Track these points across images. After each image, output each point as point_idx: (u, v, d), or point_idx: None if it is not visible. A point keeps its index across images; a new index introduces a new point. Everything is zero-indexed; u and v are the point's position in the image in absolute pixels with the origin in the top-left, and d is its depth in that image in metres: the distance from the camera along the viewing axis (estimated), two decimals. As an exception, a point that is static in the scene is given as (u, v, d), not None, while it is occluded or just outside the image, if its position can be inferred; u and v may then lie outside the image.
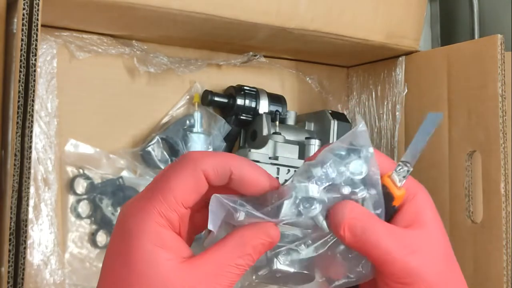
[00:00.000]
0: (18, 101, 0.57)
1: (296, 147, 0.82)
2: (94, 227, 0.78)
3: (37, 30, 0.58)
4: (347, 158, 0.41)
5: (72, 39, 0.78)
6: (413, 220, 0.41)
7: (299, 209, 0.40)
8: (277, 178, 0.79)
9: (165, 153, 0.81)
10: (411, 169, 0.42)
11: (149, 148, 0.81)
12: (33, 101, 0.58)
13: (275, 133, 0.83)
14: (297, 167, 0.80)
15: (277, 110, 0.87)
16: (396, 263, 0.40)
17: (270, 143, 0.81)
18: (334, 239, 0.41)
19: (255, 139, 0.84)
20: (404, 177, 0.42)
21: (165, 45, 0.85)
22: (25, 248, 0.57)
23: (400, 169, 0.42)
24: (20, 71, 0.58)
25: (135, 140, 0.83)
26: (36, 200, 0.73)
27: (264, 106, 0.86)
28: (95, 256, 0.78)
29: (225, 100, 0.85)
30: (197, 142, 0.82)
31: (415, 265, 0.40)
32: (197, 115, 0.84)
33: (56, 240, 0.75)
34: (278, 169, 0.79)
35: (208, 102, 0.84)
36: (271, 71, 0.93)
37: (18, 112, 0.57)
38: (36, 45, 0.58)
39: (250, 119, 0.86)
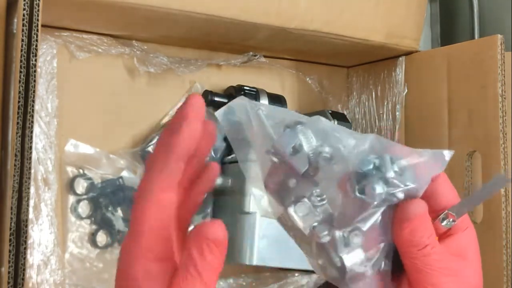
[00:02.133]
0: (19, 102, 0.57)
1: (296, 147, 0.82)
2: (94, 227, 0.78)
3: (37, 30, 0.58)
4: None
5: (72, 39, 0.78)
6: (461, 251, 0.43)
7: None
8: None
9: (165, 153, 0.81)
10: (456, 222, 0.42)
11: (149, 148, 0.80)
12: (33, 101, 0.58)
13: (275, 133, 0.83)
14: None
15: (277, 110, 0.87)
16: (430, 278, 0.41)
17: (270, 143, 0.81)
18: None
19: (255, 139, 0.84)
20: (446, 226, 0.43)
21: (165, 45, 0.85)
22: (25, 248, 0.57)
23: (443, 220, 0.43)
24: (21, 71, 0.57)
25: (135, 140, 0.83)
26: (36, 200, 0.73)
27: (264, 106, 0.86)
28: (95, 256, 0.78)
29: (225, 100, 0.85)
30: (197, 142, 0.82)
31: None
32: (197, 115, 0.83)
33: (56, 240, 0.75)
34: (278, 169, 0.79)
35: (208, 102, 0.84)
36: (271, 71, 0.93)
37: (18, 113, 0.57)
38: (36, 45, 0.58)
39: (250, 119, 0.86)
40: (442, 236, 0.43)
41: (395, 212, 0.41)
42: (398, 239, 0.41)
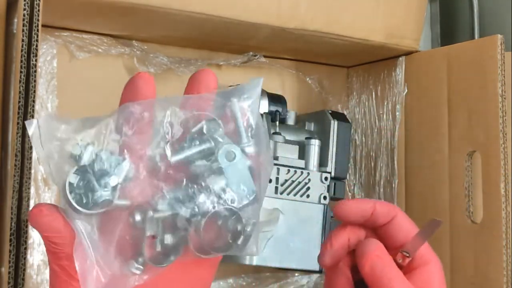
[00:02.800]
0: (19, 102, 0.57)
1: (296, 147, 0.82)
2: (94, 227, 0.78)
3: (37, 30, 0.58)
4: None
5: (72, 39, 0.78)
6: (424, 285, 0.45)
7: None
8: (277, 178, 0.79)
9: (165, 153, 0.81)
10: (411, 258, 0.45)
11: (149, 148, 0.80)
12: (33, 101, 0.58)
13: (275, 133, 0.83)
14: (297, 167, 0.80)
15: (277, 110, 0.87)
16: None
17: (270, 143, 0.81)
18: None
19: (255, 139, 0.84)
20: (402, 263, 0.45)
21: (165, 45, 0.85)
22: (25, 248, 0.57)
23: (399, 259, 0.45)
24: (21, 71, 0.57)
25: (135, 140, 0.82)
26: (36, 200, 0.73)
27: (264, 106, 0.86)
28: (95, 256, 0.78)
29: (225, 100, 0.85)
30: (197, 142, 0.82)
31: None
32: (197, 115, 0.83)
33: (56, 240, 0.74)
34: (278, 169, 0.79)
35: (208, 102, 0.84)
36: (271, 71, 0.93)
37: (18, 113, 0.57)
38: (36, 45, 0.58)
39: (250, 119, 0.85)
40: (407, 270, 0.45)
41: (355, 252, 0.45)
42: (363, 276, 0.43)
